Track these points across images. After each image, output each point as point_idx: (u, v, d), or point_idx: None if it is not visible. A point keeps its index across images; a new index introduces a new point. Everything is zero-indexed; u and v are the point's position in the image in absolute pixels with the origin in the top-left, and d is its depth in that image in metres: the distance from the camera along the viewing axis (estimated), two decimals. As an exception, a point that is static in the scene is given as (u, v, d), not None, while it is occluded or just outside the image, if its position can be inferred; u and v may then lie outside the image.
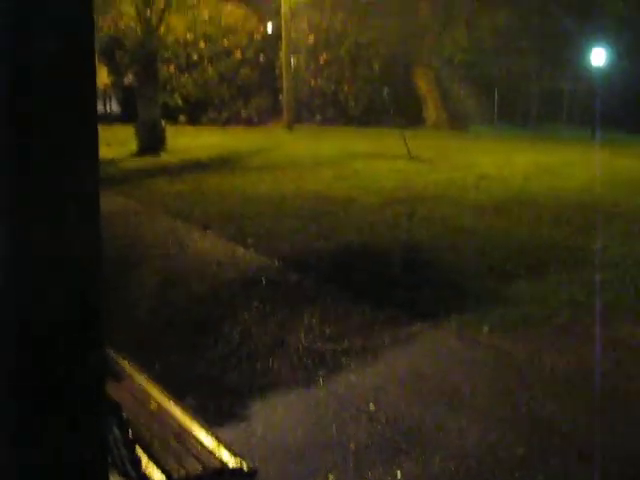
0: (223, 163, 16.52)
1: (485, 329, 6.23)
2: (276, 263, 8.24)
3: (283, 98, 26.30)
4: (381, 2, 25.52)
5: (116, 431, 3.14)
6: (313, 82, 27.51)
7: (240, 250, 8.84)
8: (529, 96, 26.48)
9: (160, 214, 11.12)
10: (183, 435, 3.52)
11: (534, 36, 24.64)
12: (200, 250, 8.99)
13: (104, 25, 23.97)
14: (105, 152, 14.65)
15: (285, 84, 25.75)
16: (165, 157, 17.67)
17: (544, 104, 26.36)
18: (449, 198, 12.17)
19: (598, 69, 23.32)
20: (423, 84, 27.32)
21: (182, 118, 26.65)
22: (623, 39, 23.55)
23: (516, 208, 11.34)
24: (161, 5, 19.59)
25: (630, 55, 23.82)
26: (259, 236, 9.41)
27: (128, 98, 25.00)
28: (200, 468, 3.27)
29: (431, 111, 27.30)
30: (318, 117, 27.82)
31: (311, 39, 27.34)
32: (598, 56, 23.25)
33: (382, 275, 7.81)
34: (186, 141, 20.58)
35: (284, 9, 25.49)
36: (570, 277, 7.75)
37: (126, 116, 24.51)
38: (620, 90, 23.34)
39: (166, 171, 15.24)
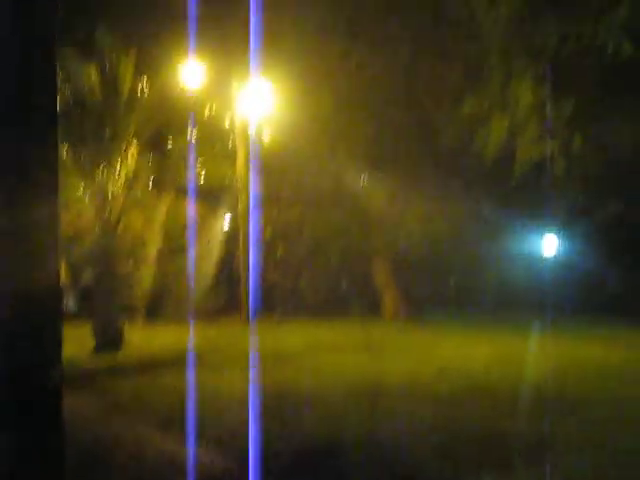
0: (181, 359, 16.49)
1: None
2: (233, 465, 8.19)
3: (241, 292, 26.61)
4: (336, 195, 26.43)
5: None
6: (271, 275, 27.96)
7: (196, 450, 8.78)
8: (485, 283, 27.10)
9: (118, 415, 11.04)
10: None
11: (488, 223, 25.59)
12: (158, 452, 8.90)
13: (62, 224, 24.42)
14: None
15: (243, 278, 26.18)
16: (124, 354, 17.66)
17: (500, 291, 26.95)
18: (410, 390, 12.28)
19: (551, 255, 24.24)
20: (380, 274, 27.96)
21: (140, 313, 26.75)
22: (575, 225, 24.60)
23: (477, 399, 11.46)
24: (120, 203, 20.20)
25: (582, 240, 24.79)
26: (215, 436, 9.36)
27: (86, 295, 25.14)
28: None
29: (389, 301, 27.77)
30: (278, 310, 28.07)
31: (268, 233, 28.03)
32: (551, 243, 24.18)
33: (344, 472, 7.79)
34: (144, 337, 20.61)
35: (241, 205, 26.38)
36: (531, 470, 7.81)
37: (84, 313, 24.54)
38: (575, 276, 24.15)
39: (125, 369, 15.24)
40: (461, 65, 23.44)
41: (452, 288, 26.95)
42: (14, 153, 4.08)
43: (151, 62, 21.92)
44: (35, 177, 4.17)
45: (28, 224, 4.16)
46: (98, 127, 19.87)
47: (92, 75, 19.98)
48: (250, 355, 16.99)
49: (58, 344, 4.65)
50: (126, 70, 20.45)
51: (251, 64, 21.92)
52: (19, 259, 4.11)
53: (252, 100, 24.38)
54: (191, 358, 16.86)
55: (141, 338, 20.14)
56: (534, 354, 16.45)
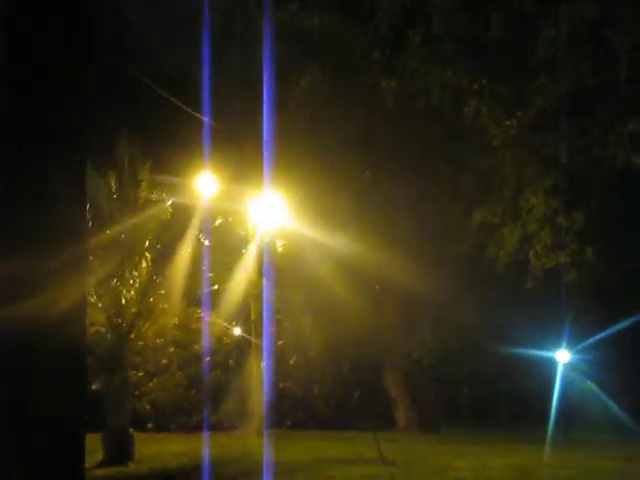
0: (193, 472, 16.34)
1: None
2: None
3: (252, 403, 26.35)
4: (349, 305, 26.37)
5: None
6: (282, 385, 27.84)
7: None
8: (498, 395, 26.91)
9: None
10: None
11: (501, 331, 25.63)
12: None
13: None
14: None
15: (254, 387, 25.97)
16: (133, 467, 17.43)
17: (513, 403, 26.77)
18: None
19: (564, 367, 24.14)
20: (392, 385, 27.80)
21: (150, 424, 26.54)
22: (590, 335, 24.58)
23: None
24: (132, 311, 20.26)
25: (595, 351, 24.76)
26: None
27: (94, 405, 24.92)
28: None
29: (401, 412, 27.55)
30: (288, 421, 27.81)
31: (280, 343, 28.00)
32: (562, 356, 24.08)
33: None
34: (155, 449, 20.37)
35: (253, 313, 26.46)
36: None
37: (91, 423, 24.30)
38: (587, 389, 24.00)
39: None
40: (473, 176, 23.80)
41: (466, 399, 26.72)
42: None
43: (166, 172, 22.33)
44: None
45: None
46: (113, 234, 20.11)
47: (110, 184, 20.37)
48: (263, 467, 16.80)
49: (80, 454, 4.73)
50: (142, 179, 20.85)
51: (264, 175, 22.38)
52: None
53: (265, 210, 24.65)
54: (204, 470, 16.68)
55: (152, 449, 19.91)
56: (551, 468, 16.23)
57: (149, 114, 23.16)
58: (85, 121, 4.52)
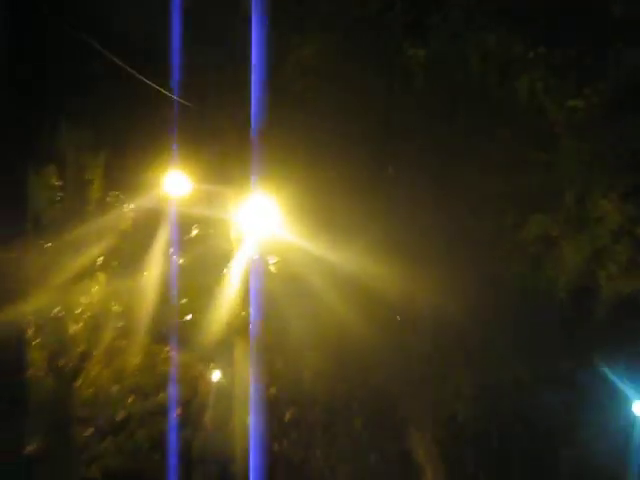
0: None
1: None
2: None
3: (236, 470, 26.30)
4: (360, 339, 25.78)
5: None
6: (276, 446, 27.17)
7: None
8: (558, 460, 26.67)
9: None
10: None
11: (563, 380, 25.56)
12: None
13: None
14: None
15: (238, 452, 26.04)
16: None
17: (578, 470, 26.74)
18: None
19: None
20: (419, 447, 27.15)
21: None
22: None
23: None
24: (80, 350, 20.88)
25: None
26: None
27: (32, 466, 24.52)
28: None
29: (433, 484, 27.05)
30: None
31: (272, 391, 27.31)
32: (640, 407, 24.13)
33: None
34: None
35: (237, 352, 26.24)
36: None
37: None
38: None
39: None
40: (524, 174, 23.39)
41: (516, 465, 26.48)
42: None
43: (127, 169, 22.62)
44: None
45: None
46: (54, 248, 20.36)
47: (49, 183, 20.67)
48: None
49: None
50: (93, 177, 21.12)
51: (252, 172, 21.95)
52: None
53: (253, 218, 24.06)
54: None
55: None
56: None
57: (101, 89, 22.71)
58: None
